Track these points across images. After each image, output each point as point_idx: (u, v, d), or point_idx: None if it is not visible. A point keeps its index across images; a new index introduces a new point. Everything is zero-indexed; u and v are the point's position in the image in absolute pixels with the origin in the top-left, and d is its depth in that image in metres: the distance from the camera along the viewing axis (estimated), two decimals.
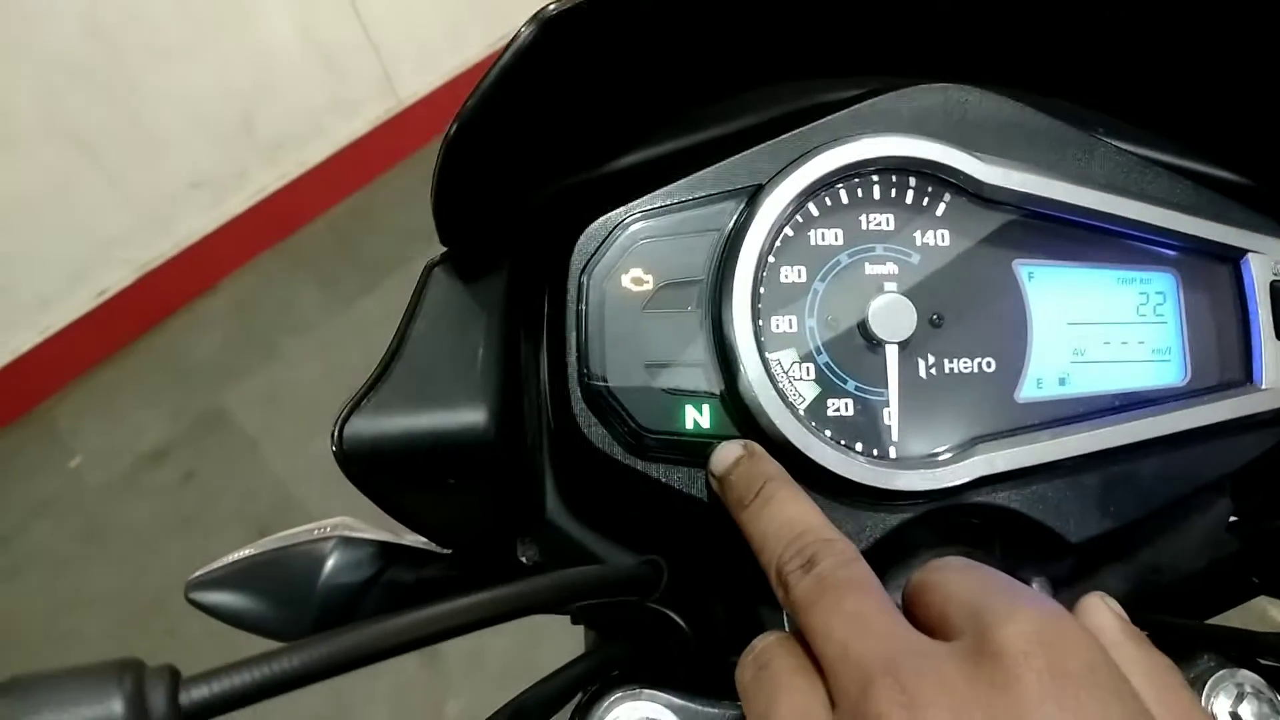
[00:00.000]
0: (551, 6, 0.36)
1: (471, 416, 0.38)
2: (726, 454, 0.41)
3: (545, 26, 0.36)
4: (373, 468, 0.38)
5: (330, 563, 0.53)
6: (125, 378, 2.46)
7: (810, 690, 0.30)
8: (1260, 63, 0.44)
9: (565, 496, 0.48)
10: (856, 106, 0.46)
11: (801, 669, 0.31)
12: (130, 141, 2.37)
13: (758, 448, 0.41)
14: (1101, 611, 0.32)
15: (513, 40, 0.36)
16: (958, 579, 0.32)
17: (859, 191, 0.45)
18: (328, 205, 2.72)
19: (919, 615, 0.32)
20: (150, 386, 2.42)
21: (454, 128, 0.37)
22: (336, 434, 0.38)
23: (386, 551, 0.53)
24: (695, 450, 0.43)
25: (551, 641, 0.53)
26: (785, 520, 0.36)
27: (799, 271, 0.44)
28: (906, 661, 0.28)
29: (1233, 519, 0.55)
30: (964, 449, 0.43)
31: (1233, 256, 0.46)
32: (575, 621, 0.54)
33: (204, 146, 2.50)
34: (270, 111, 2.57)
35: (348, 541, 0.54)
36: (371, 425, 0.38)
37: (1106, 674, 0.27)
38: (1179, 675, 0.30)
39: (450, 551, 0.53)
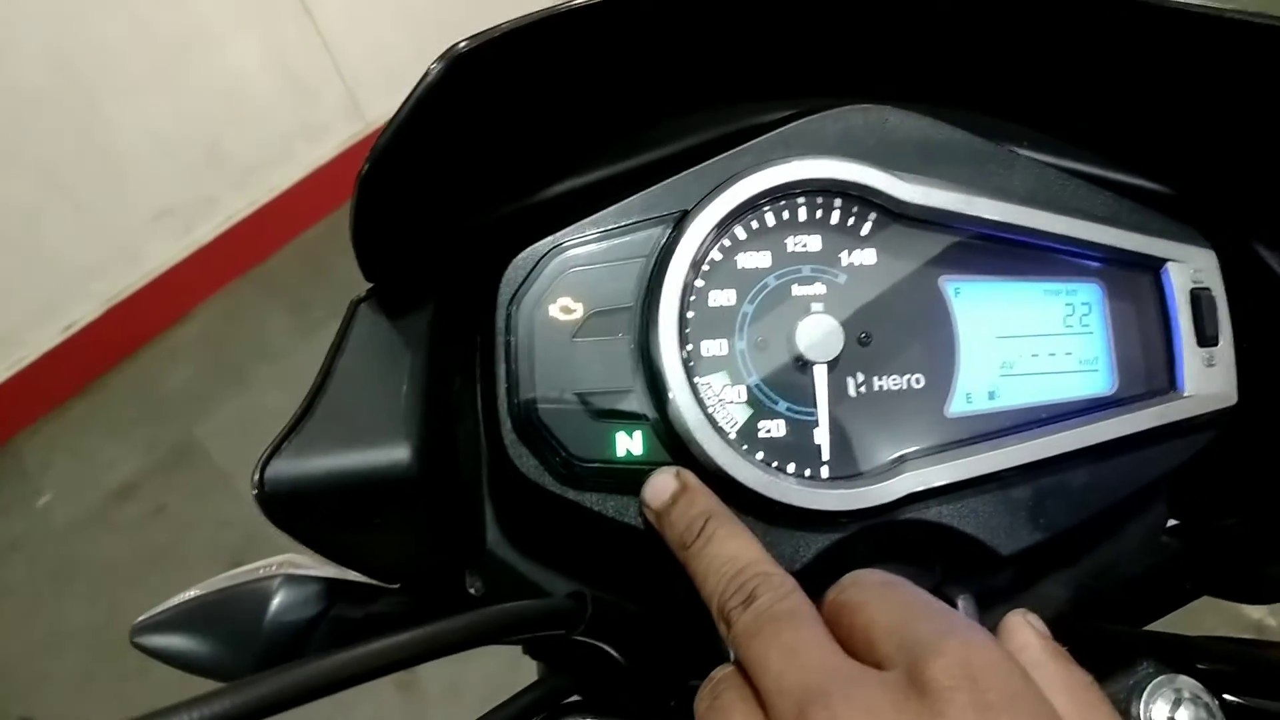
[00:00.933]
0: (462, 42, 0.36)
1: (393, 454, 0.38)
2: (660, 487, 0.41)
3: (455, 63, 0.36)
4: (295, 510, 0.38)
5: (275, 601, 0.53)
6: (95, 412, 2.43)
7: None
8: (1175, 79, 0.45)
9: (505, 527, 0.48)
10: (781, 130, 0.46)
11: (745, 699, 0.32)
12: (97, 172, 2.36)
13: (691, 479, 0.41)
14: (1024, 631, 0.33)
15: (424, 77, 0.36)
16: (878, 602, 0.33)
17: (785, 214, 0.45)
18: (298, 230, 2.71)
19: (842, 637, 0.33)
20: (120, 420, 2.39)
21: (367, 165, 0.37)
22: (257, 478, 0.38)
23: (333, 588, 0.53)
24: (628, 478, 0.43)
25: (530, 666, 0.53)
26: (726, 557, 0.37)
27: (728, 295, 0.45)
28: (838, 690, 0.29)
29: (1172, 523, 0.56)
30: (894, 466, 0.44)
31: (1153, 266, 0.47)
32: (525, 652, 0.53)
33: (172, 175, 2.49)
34: (238, 138, 2.56)
35: (293, 579, 0.54)
36: (292, 467, 0.38)
37: (1028, 701, 0.28)
38: (1099, 692, 0.31)
39: (398, 585, 0.53)
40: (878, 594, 0.33)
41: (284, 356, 2.40)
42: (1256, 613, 1.70)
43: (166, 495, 2.22)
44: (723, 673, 0.34)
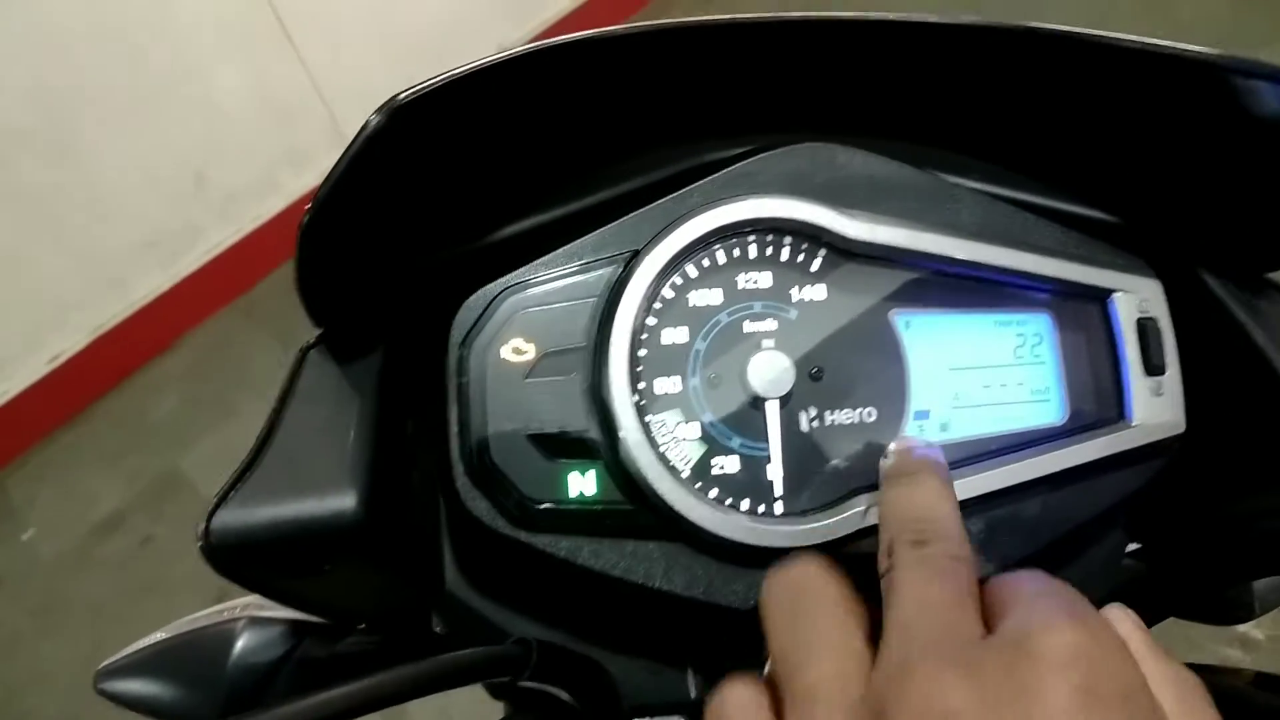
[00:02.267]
0: (402, 93, 0.37)
1: (339, 502, 0.38)
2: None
3: (394, 114, 0.36)
4: (243, 560, 0.38)
5: (240, 644, 0.53)
6: (80, 444, 2.42)
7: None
8: (1118, 111, 0.46)
9: (464, 567, 0.48)
10: (730, 169, 0.47)
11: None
12: (82, 204, 2.36)
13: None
14: (1125, 623, 0.31)
15: (362, 128, 0.36)
16: (1026, 579, 0.32)
17: (735, 251, 0.46)
18: (283, 259, 2.70)
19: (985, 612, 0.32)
20: (106, 452, 2.39)
21: (307, 217, 0.37)
22: (201, 529, 0.38)
23: (298, 629, 0.53)
24: (581, 518, 0.43)
25: None
26: (919, 502, 0.37)
27: (681, 332, 0.45)
28: (952, 650, 0.28)
29: (1134, 547, 0.56)
30: (847, 500, 0.44)
31: (1100, 297, 0.47)
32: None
33: (157, 205, 2.49)
34: (222, 167, 2.57)
35: (258, 621, 0.54)
36: (239, 517, 0.38)
37: (1140, 703, 0.27)
38: (1205, 693, 0.29)
39: (363, 625, 0.53)
40: (1029, 577, 0.32)
41: (270, 386, 2.33)
42: (1242, 626, 1.70)
43: (153, 527, 2.21)
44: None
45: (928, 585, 0.31)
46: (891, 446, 0.42)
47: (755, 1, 3.17)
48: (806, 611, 0.32)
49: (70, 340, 2.46)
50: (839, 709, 0.28)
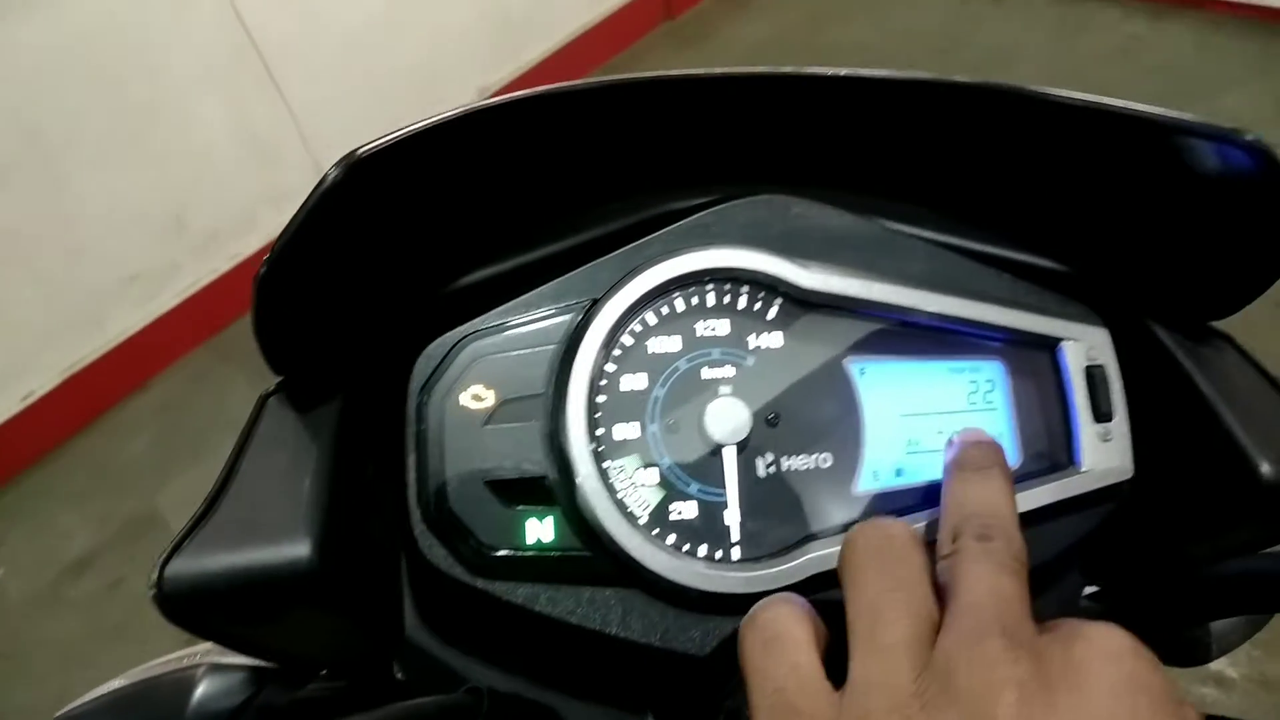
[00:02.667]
0: (361, 148, 0.37)
1: (293, 551, 0.38)
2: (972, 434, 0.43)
3: (352, 169, 0.37)
4: (196, 610, 0.38)
5: (199, 691, 0.52)
6: (51, 483, 2.39)
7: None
8: (1065, 164, 0.47)
9: (424, 614, 0.48)
10: (689, 220, 0.48)
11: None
12: (59, 241, 2.36)
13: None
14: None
15: (320, 183, 0.37)
16: None
17: (694, 299, 0.47)
18: None
19: None
20: (77, 491, 2.36)
21: (265, 267, 0.38)
22: (154, 578, 0.38)
23: (259, 675, 0.52)
24: (539, 565, 0.43)
25: None
26: (985, 500, 0.38)
27: (640, 379, 0.46)
28: (1017, 631, 0.31)
29: (1092, 589, 0.57)
30: (802, 545, 0.44)
31: (1050, 345, 0.48)
32: None
33: (134, 243, 2.49)
34: (202, 205, 2.58)
35: (218, 668, 0.53)
36: (192, 565, 0.38)
37: (1177, 699, 0.29)
38: None
39: (325, 671, 0.52)
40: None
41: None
42: (1216, 664, 1.71)
43: (124, 568, 2.18)
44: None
45: (997, 577, 0.33)
46: (959, 436, 0.43)
47: (735, 52, 3.23)
48: (893, 570, 0.34)
49: (43, 378, 2.44)
50: (912, 663, 0.31)
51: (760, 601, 0.37)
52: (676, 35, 3.43)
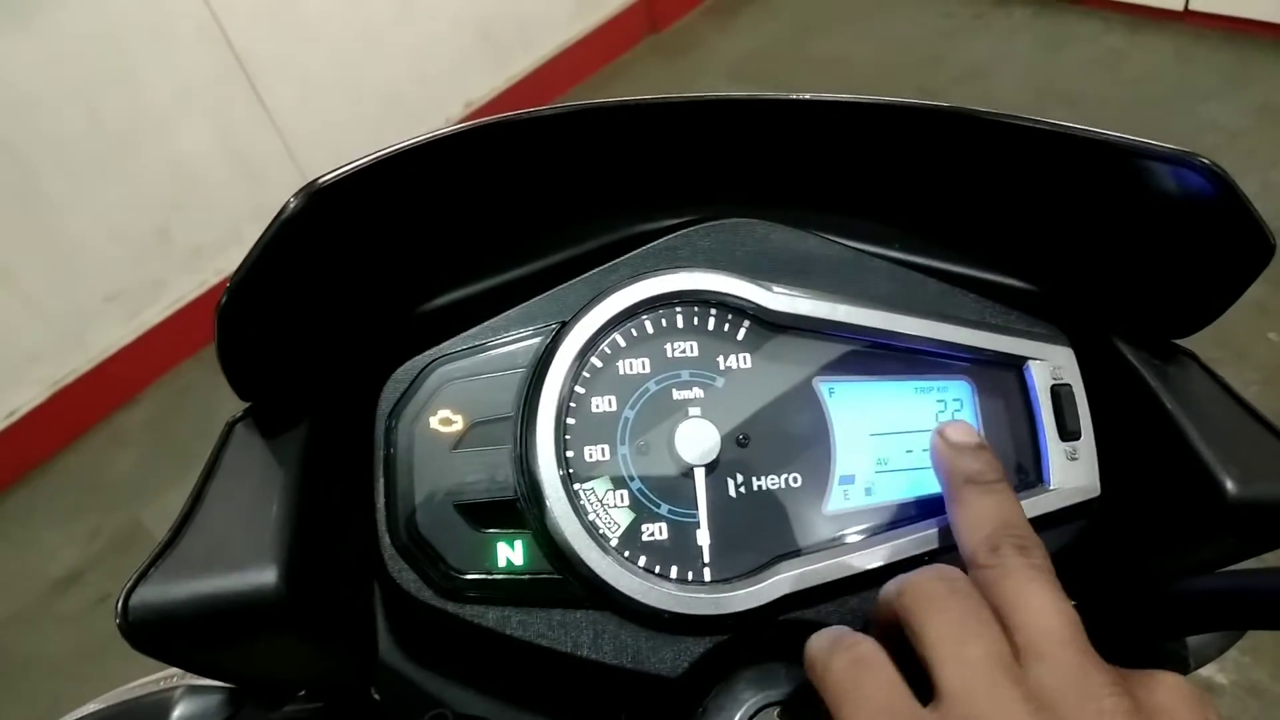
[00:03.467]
0: (321, 177, 0.38)
1: (260, 577, 0.38)
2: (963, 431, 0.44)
3: (312, 198, 0.37)
4: (162, 637, 0.38)
5: (176, 713, 0.52)
6: (37, 500, 2.38)
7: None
8: (1030, 187, 0.48)
9: (398, 637, 0.48)
10: (656, 243, 0.48)
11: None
12: (45, 258, 2.35)
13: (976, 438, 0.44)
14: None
15: (280, 212, 0.37)
16: None
17: (663, 321, 0.47)
18: None
19: None
20: (64, 507, 2.35)
21: (225, 296, 0.38)
22: (120, 606, 0.38)
23: (237, 697, 0.52)
24: (509, 588, 0.43)
25: None
26: (997, 512, 0.40)
27: (609, 401, 0.46)
28: (1109, 669, 0.33)
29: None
30: (773, 565, 0.44)
31: (1016, 364, 0.49)
32: None
33: (120, 259, 2.49)
34: (188, 220, 2.58)
35: (196, 689, 0.53)
36: (158, 594, 0.38)
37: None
38: None
39: (303, 692, 0.52)
40: None
41: None
42: (1206, 670, 1.71)
43: (111, 584, 2.17)
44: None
45: (1046, 593, 0.36)
46: (949, 432, 0.44)
47: (719, 65, 3.24)
48: (963, 598, 0.36)
49: (29, 394, 2.43)
50: (1005, 674, 0.33)
51: (824, 630, 0.39)
52: (661, 48, 3.44)
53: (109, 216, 2.42)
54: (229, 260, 2.68)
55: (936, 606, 0.36)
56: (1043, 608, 0.35)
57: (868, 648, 0.37)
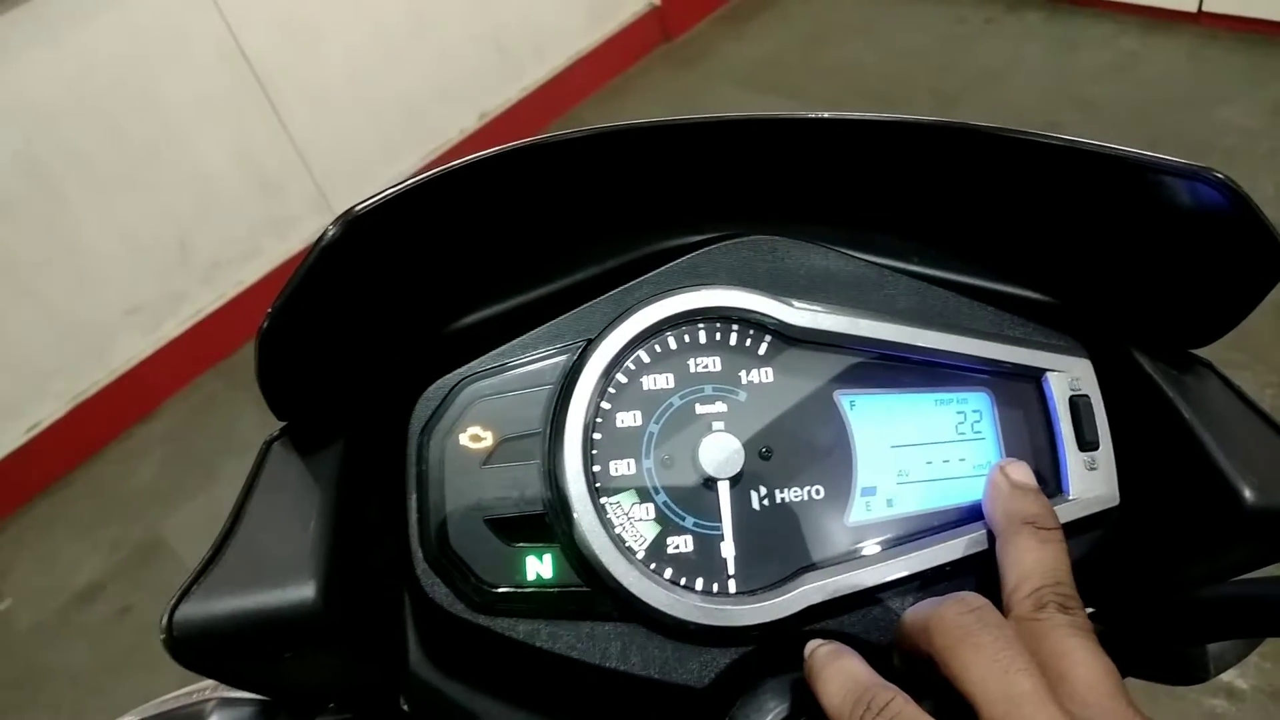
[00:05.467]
0: (358, 205, 0.39)
1: (299, 593, 0.39)
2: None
3: (351, 225, 0.38)
4: (206, 652, 0.39)
5: None
6: (58, 512, 2.41)
7: None
8: (1049, 201, 0.48)
9: (428, 649, 0.49)
10: (679, 261, 0.49)
11: None
12: (65, 272, 2.38)
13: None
14: None
15: (319, 239, 0.38)
16: None
17: (686, 338, 0.48)
18: None
19: None
20: (85, 520, 2.37)
21: (267, 321, 0.39)
22: (165, 623, 0.39)
23: (268, 709, 0.53)
24: (538, 601, 0.44)
25: None
26: (1057, 564, 0.41)
27: (634, 416, 0.47)
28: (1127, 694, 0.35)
29: (1088, 610, 0.58)
30: (797, 577, 0.45)
31: (1035, 376, 0.49)
32: None
33: (140, 273, 2.52)
34: (206, 234, 2.60)
35: (227, 702, 0.54)
36: (201, 609, 0.39)
37: None
38: None
39: (332, 705, 0.53)
40: None
41: (252, 451, 2.32)
42: (1227, 676, 1.70)
43: (132, 596, 2.19)
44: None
45: (1090, 648, 0.36)
46: (1009, 471, 0.46)
47: (732, 73, 3.25)
48: (998, 635, 0.37)
49: (50, 408, 2.46)
50: (1052, 710, 0.33)
51: (837, 677, 0.39)
52: (674, 57, 3.46)
53: (129, 230, 2.45)
54: (247, 273, 2.70)
55: (972, 643, 0.36)
56: (1087, 660, 0.36)
57: (898, 704, 0.37)
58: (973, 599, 0.39)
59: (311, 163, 2.72)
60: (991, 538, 0.46)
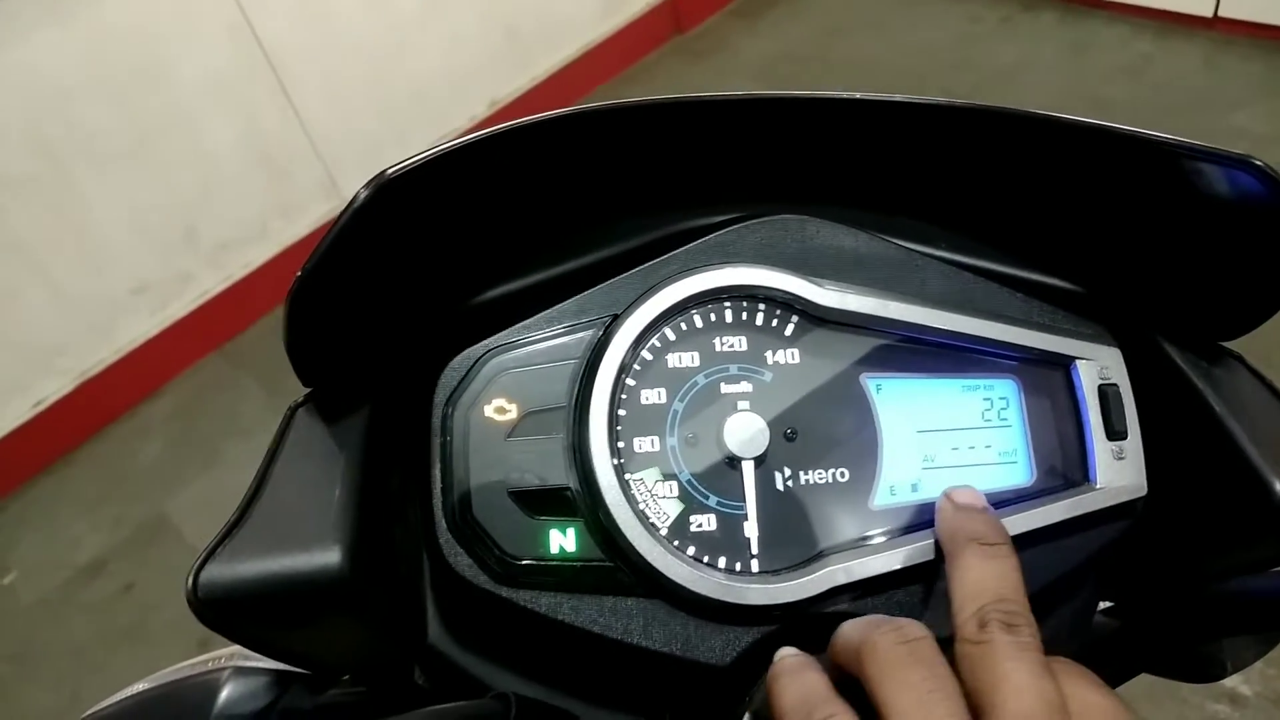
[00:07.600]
0: (390, 169, 0.38)
1: (324, 558, 0.39)
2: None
3: (382, 189, 0.38)
4: (229, 614, 0.39)
5: (224, 695, 0.53)
6: (63, 489, 2.41)
7: None
8: (1080, 188, 0.48)
9: (447, 621, 0.49)
10: (707, 238, 0.49)
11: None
12: (73, 251, 2.39)
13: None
14: None
15: (350, 202, 0.38)
16: None
17: (712, 316, 0.48)
18: (271, 306, 2.73)
19: None
20: (89, 497, 2.37)
21: (297, 283, 0.39)
22: (190, 583, 0.39)
23: (283, 679, 0.53)
24: (561, 575, 0.44)
25: None
26: (1002, 581, 0.39)
27: (659, 393, 0.46)
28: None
29: (1107, 604, 0.58)
30: (820, 559, 0.45)
31: (1063, 363, 0.49)
32: None
33: (147, 252, 2.52)
34: (214, 215, 2.60)
35: (242, 671, 0.54)
36: (226, 572, 0.39)
37: None
38: None
39: (347, 676, 0.53)
40: None
41: (256, 432, 2.40)
42: (1230, 681, 1.70)
43: (135, 573, 2.19)
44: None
45: (1024, 673, 0.34)
46: (955, 496, 0.44)
47: (744, 66, 3.25)
48: (927, 670, 0.35)
49: (55, 385, 2.46)
50: None
51: (790, 686, 0.38)
52: (686, 49, 3.45)
53: (137, 210, 2.45)
54: (254, 255, 2.70)
55: (900, 678, 0.35)
56: (1021, 688, 0.34)
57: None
58: (911, 628, 0.37)
59: (321, 147, 2.71)
60: (1019, 524, 0.46)
